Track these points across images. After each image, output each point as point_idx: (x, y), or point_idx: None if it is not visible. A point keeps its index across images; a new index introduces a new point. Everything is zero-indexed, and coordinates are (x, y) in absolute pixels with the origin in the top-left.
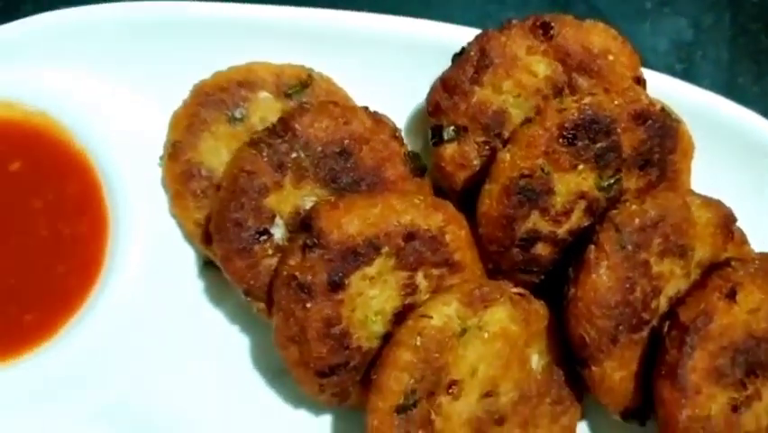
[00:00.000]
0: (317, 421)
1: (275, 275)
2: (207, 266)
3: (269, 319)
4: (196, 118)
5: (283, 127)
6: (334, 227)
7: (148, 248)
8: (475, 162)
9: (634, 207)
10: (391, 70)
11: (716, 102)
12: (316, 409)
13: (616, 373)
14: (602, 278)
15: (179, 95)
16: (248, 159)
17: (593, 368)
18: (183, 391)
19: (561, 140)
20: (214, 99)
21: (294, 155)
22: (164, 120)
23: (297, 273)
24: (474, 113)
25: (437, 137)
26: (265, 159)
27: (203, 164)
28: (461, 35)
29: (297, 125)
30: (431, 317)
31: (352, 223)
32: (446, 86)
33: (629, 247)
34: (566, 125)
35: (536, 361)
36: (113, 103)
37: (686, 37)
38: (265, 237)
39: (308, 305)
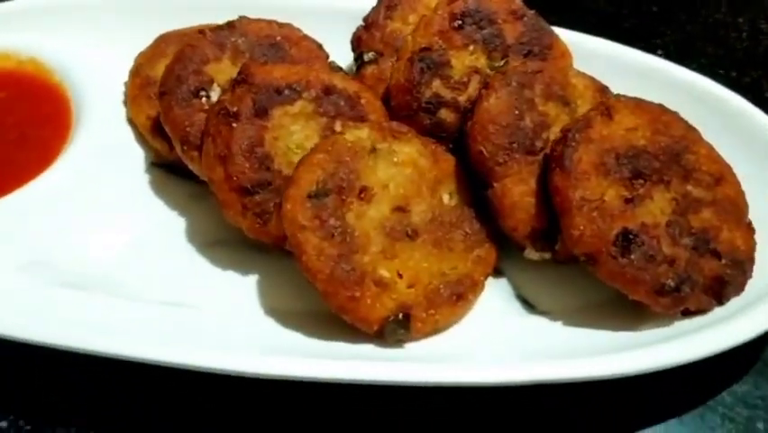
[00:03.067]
0: (240, 280)
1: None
2: (153, 166)
3: (198, 169)
4: (157, 50)
5: (227, 25)
6: (262, 73)
7: (99, 147)
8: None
9: (518, 64)
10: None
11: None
12: (242, 271)
13: (516, 187)
14: (492, 104)
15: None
16: (194, 38)
17: (495, 185)
18: (116, 254)
19: (452, 23)
20: (174, 39)
21: (233, 39)
22: (128, 64)
23: (226, 104)
24: (388, 40)
25: (360, 62)
26: (208, 39)
27: (158, 78)
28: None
29: (237, 24)
30: (344, 135)
31: (277, 71)
32: (366, 24)
33: (514, 84)
34: (455, 12)
35: (447, 198)
36: (91, 53)
37: None
38: (203, 94)
39: (234, 125)
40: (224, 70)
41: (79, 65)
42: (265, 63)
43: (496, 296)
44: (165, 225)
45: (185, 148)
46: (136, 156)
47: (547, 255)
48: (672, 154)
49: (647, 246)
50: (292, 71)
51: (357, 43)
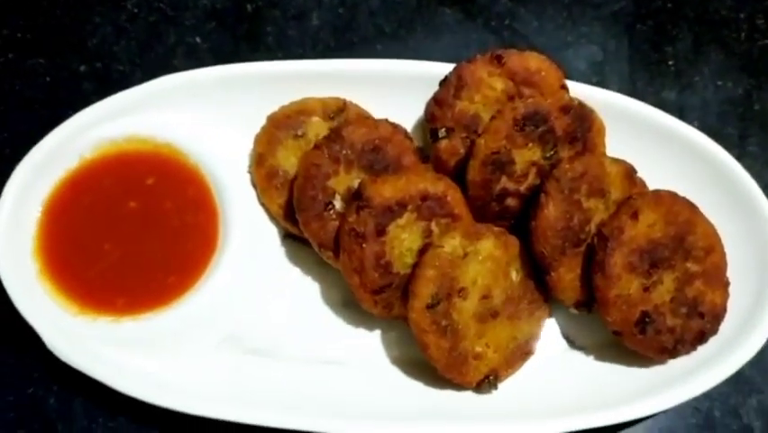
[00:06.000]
0: (371, 336)
1: (339, 230)
2: (286, 237)
3: (335, 264)
4: (272, 137)
5: (335, 135)
6: (376, 194)
7: (246, 227)
8: (461, 151)
9: (567, 166)
10: (398, 96)
11: (619, 98)
12: (370, 327)
13: (567, 275)
14: (551, 212)
15: (258, 124)
16: (315, 156)
17: (552, 273)
18: (275, 322)
19: (515, 127)
20: (283, 123)
21: (344, 152)
22: (249, 141)
23: (354, 226)
24: (457, 118)
25: (434, 137)
26: (326, 155)
27: (280, 167)
28: (443, 69)
29: (344, 133)
30: (443, 247)
31: (386, 190)
32: (437, 101)
33: (566, 191)
34: (517, 117)
35: (515, 275)
36: (214, 133)
37: (598, 58)
38: (330, 207)
39: (364, 246)
40: (341, 181)
41: (209, 148)
42: (375, 181)
43: (547, 335)
44: (304, 289)
45: (322, 249)
46: (271, 231)
47: (585, 313)
48: (678, 240)
49: (657, 323)
50: (397, 188)
51: (431, 118)
